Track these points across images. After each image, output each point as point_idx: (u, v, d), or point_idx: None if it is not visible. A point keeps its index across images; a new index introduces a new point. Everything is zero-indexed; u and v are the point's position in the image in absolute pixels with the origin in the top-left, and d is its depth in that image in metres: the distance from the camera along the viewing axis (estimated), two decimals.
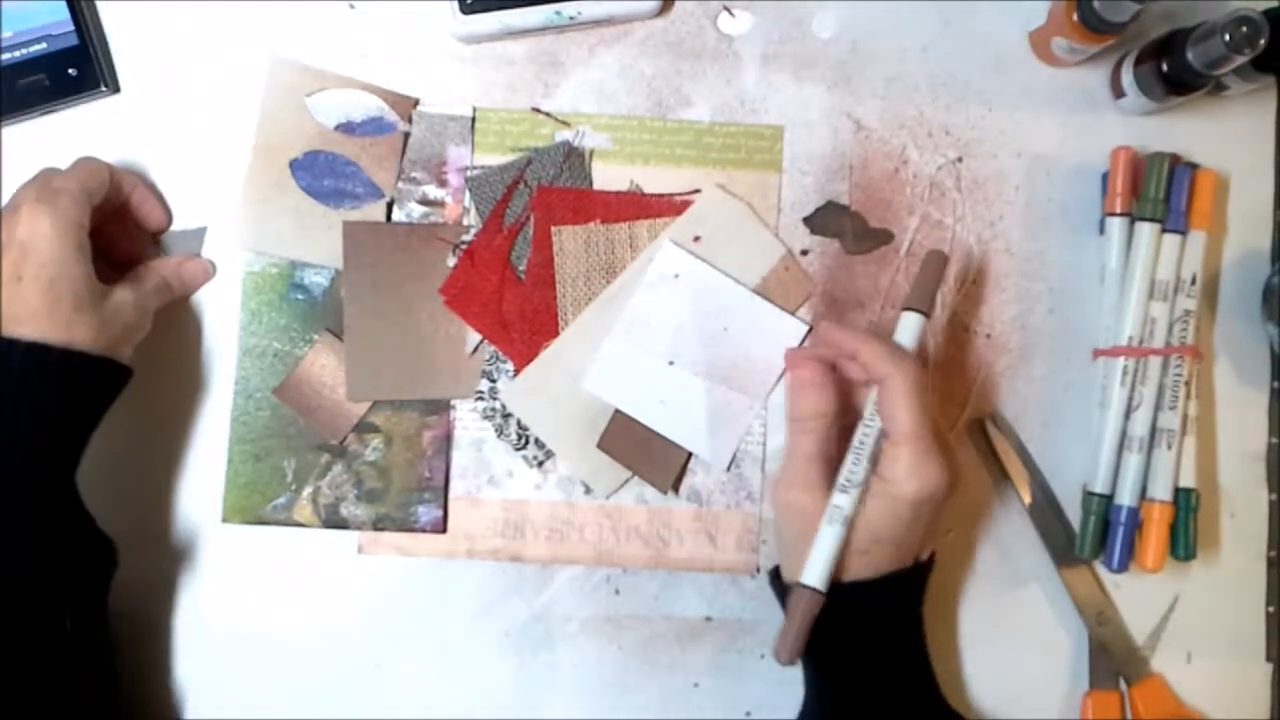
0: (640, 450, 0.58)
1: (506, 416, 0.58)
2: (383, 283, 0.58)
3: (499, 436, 0.58)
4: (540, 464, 0.58)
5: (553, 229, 0.58)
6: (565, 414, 0.58)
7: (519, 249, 0.58)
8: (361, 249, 0.58)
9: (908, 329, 0.52)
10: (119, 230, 0.57)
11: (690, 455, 0.58)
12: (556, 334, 0.58)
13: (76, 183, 0.52)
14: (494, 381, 0.58)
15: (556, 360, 0.58)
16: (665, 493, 0.58)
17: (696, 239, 0.58)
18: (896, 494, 0.48)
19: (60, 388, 0.49)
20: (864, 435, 0.50)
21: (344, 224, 0.58)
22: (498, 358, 0.58)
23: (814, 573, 0.49)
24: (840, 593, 0.49)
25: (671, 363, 0.58)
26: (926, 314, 0.52)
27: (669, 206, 0.59)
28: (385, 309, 0.58)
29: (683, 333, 0.58)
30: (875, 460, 0.50)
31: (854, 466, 0.50)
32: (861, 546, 0.49)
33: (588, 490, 0.58)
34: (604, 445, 0.57)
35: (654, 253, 0.58)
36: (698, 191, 0.59)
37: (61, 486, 0.51)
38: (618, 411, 0.57)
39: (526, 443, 0.58)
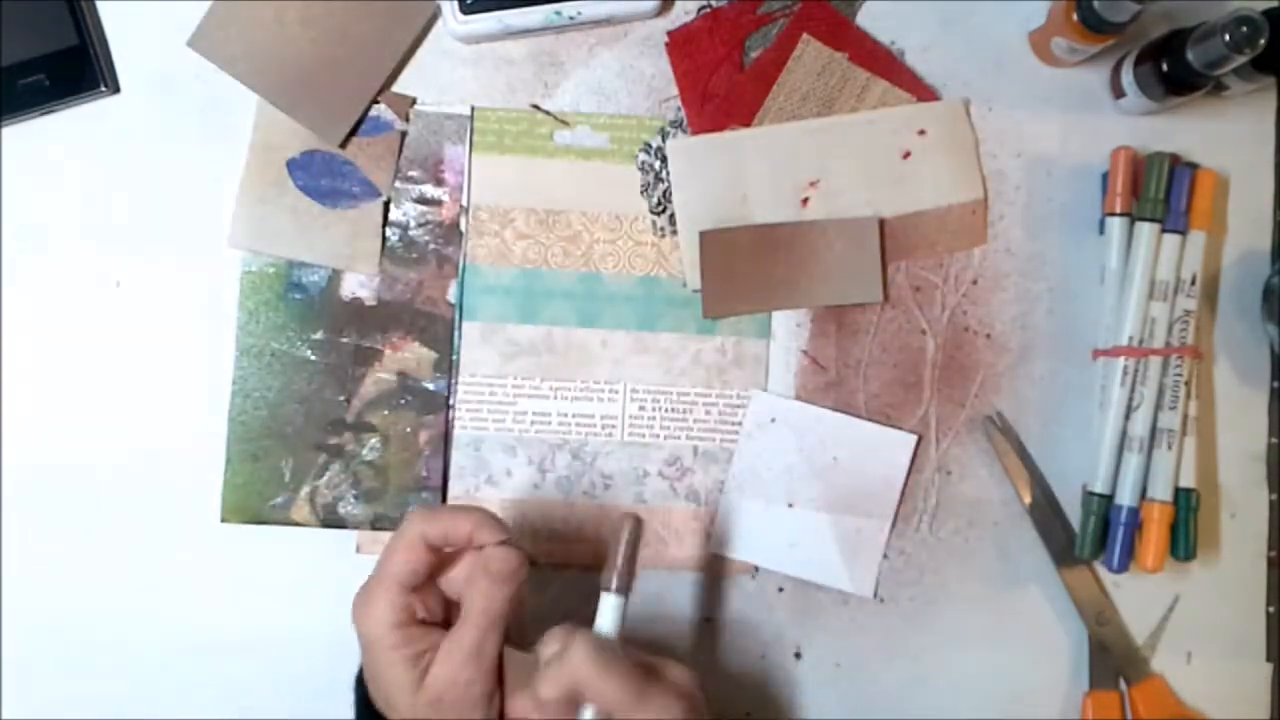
0: None
1: (659, 178, 0.59)
2: None
3: (643, 193, 0.59)
4: (663, 234, 0.59)
5: (804, 35, 0.58)
6: (709, 193, 0.58)
7: (755, 40, 0.59)
8: None
9: (607, 615, 0.44)
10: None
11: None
12: (748, 125, 0.58)
13: (389, 575, 0.45)
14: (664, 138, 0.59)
15: (731, 145, 0.58)
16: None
17: (922, 132, 0.58)
18: None
19: None
20: None
21: None
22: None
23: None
24: None
25: (791, 505, 0.57)
26: (626, 594, 0.44)
27: (916, 86, 0.59)
28: None
29: (794, 473, 0.58)
30: None
31: None
32: None
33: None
34: None
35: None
36: (937, 99, 0.59)
37: None
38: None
39: (663, 210, 0.59)
